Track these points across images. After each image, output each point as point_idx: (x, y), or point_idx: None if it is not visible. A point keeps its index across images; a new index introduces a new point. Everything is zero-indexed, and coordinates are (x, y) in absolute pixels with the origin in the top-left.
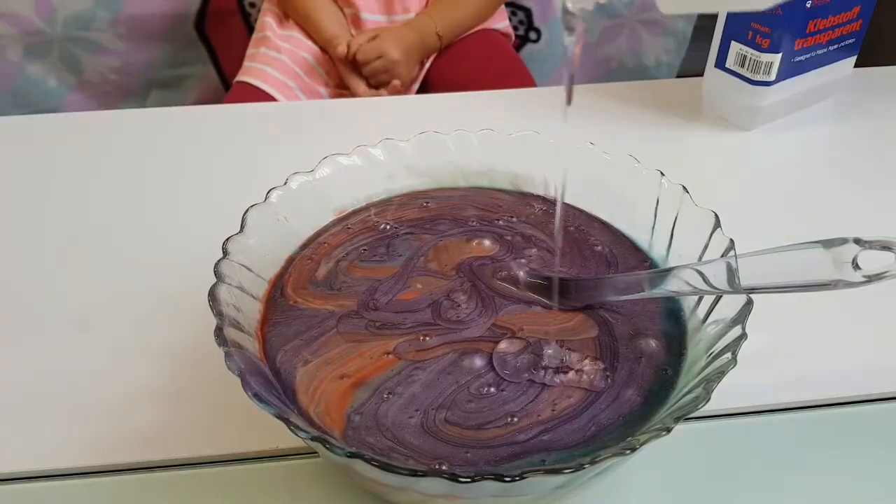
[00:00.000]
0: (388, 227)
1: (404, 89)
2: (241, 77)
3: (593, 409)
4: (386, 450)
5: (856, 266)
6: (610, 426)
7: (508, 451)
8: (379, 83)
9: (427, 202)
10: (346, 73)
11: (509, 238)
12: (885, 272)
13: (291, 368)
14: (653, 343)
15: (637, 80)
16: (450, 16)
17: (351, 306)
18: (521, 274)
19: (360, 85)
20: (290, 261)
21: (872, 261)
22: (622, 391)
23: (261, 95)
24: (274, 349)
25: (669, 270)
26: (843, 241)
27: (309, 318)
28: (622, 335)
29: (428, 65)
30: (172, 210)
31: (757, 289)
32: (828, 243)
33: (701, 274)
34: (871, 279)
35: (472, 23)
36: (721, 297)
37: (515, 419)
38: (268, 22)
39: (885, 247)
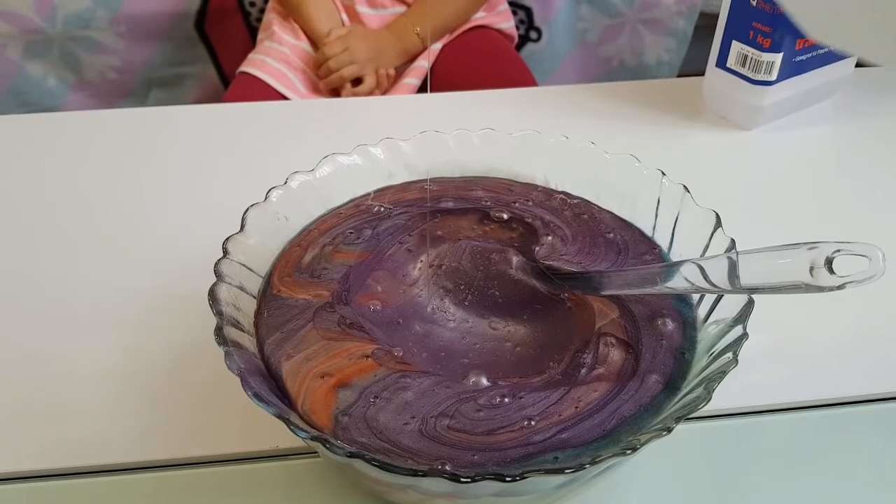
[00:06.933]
0: (381, 208)
1: (388, 81)
2: (243, 67)
3: (617, 400)
4: (382, 450)
5: (831, 270)
6: (630, 417)
7: (521, 451)
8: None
9: (429, 185)
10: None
11: (529, 220)
12: (857, 277)
13: (277, 363)
14: (670, 323)
15: (638, 79)
16: (429, 14)
17: (326, 297)
18: (516, 260)
19: (345, 89)
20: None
21: (849, 265)
22: (646, 377)
23: (259, 84)
24: (261, 341)
25: (670, 266)
26: (823, 244)
27: (290, 308)
28: (641, 315)
29: (428, 64)
30: (172, 209)
31: (752, 289)
32: (809, 246)
33: (701, 269)
34: (843, 284)
35: (455, 22)
36: (722, 296)
37: (533, 422)
38: (273, 17)
39: (860, 252)
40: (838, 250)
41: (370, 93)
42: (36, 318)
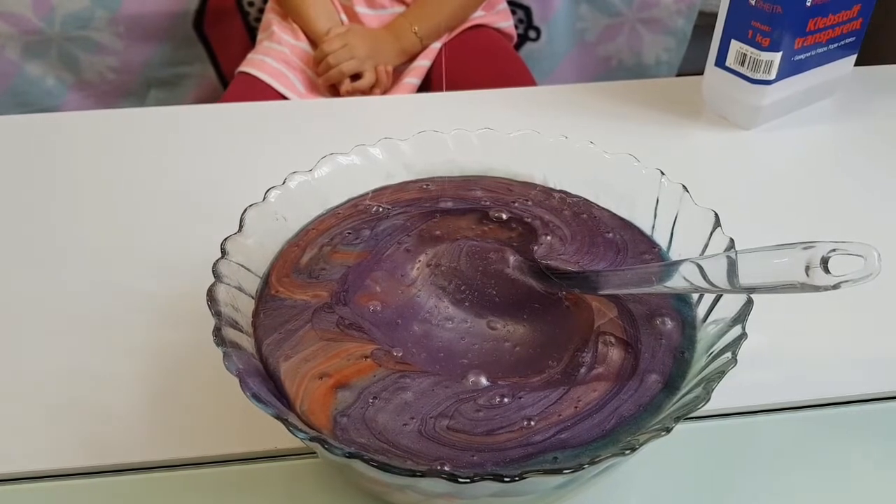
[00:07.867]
0: (380, 209)
1: (388, 79)
2: (242, 67)
3: (616, 400)
4: (381, 451)
5: (826, 269)
6: (630, 417)
7: (521, 452)
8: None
9: (427, 185)
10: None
11: (528, 220)
12: (852, 277)
13: (275, 363)
14: (669, 323)
15: (637, 78)
16: (427, 14)
17: (325, 297)
18: (514, 259)
19: (343, 85)
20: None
21: (845, 265)
22: (646, 376)
23: (259, 84)
24: (259, 342)
25: (669, 265)
26: (818, 244)
27: (288, 308)
28: (640, 314)
29: (427, 63)
30: (171, 210)
31: (749, 288)
32: (804, 246)
33: (700, 268)
34: (838, 283)
35: (453, 21)
36: (721, 295)
37: (532, 422)
38: (272, 17)
39: (856, 252)
40: (834, 250)
41: (369, 88)
42: (34, 318)
